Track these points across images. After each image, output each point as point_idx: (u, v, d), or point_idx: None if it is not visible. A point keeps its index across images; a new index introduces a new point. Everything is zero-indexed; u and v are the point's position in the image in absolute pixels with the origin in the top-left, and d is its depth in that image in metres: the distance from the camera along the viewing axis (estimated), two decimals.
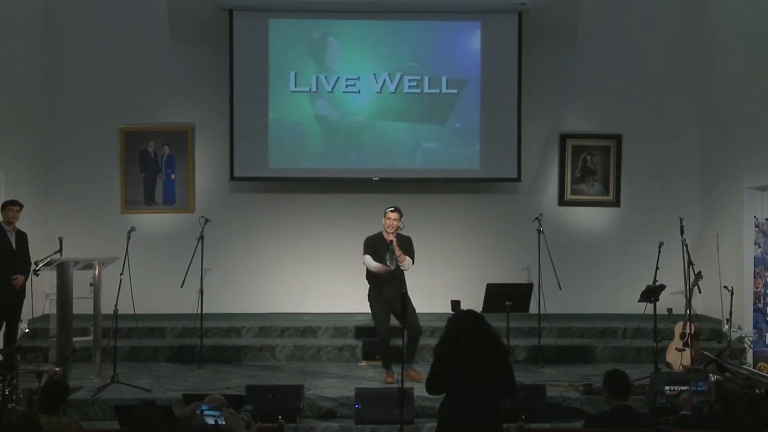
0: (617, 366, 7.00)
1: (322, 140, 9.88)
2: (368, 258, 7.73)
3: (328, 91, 9.76)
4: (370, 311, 7.92)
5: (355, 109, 9.80)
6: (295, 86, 9.76)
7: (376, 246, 7.74)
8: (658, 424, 5.23)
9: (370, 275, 7.81)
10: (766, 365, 7.84)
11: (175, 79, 9.99)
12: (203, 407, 4.69)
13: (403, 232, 7.80)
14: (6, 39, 8.98)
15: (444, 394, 4.91)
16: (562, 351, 8.85)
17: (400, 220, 7.66)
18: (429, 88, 9.75)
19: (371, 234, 7.87)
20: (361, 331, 9.26)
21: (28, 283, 8.07)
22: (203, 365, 8.47)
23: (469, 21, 9.84)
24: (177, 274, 8.72)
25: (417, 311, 7.79)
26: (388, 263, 7.57)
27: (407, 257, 7.65)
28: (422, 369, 8.26)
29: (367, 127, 9.84)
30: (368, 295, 7.87)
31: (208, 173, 10.06)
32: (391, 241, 7.56)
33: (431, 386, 4.88)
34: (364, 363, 8.69)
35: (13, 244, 7.97)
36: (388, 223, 7.63)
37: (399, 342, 7.26)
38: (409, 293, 7.66)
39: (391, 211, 7.67)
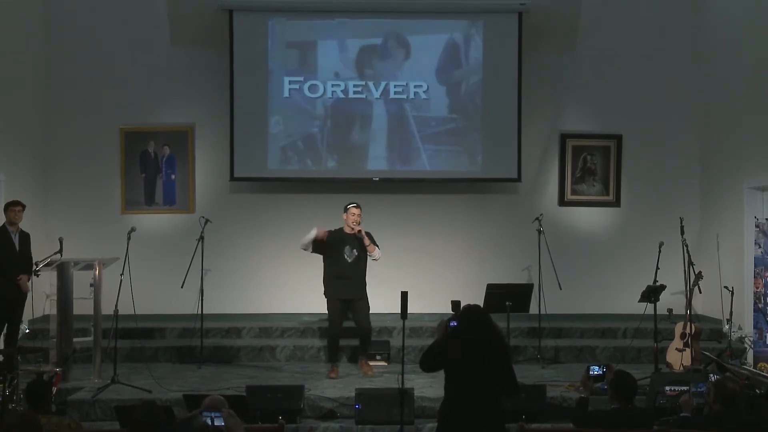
0: (617, 367, 6.98)
1: (322, 140, 9.88)
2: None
3: (328, 91, 9.76)
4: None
5: (355, 109, 9.80)
6: (295, 87, 9.76)
7: (333, 240, 7.94)
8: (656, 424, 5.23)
9: (326, 270, 7.99)
10: (766, 365, 7.84)
11: (176, 80, 9.98)
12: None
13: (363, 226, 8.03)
14: (6, 40, 8.98)
15: (445, 394, 4.91)
16: (562, 351, 8.85)
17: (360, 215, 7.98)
18: (428, 90, 9.76)
19: (332, 229, 8.06)
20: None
21: (28, 284, 8.07)
22: (203, 366, 8.47)
23: (470, 21, 9.84)
24: (177, 274, 8.73)
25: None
26: (346, 256, 7.87)
27: (376, 247, 7.99)
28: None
29: (368, 127, 9.83)
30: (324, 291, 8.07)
31: (208, 174, 10.05)
32: (360, 231, 7.87)
33: (425, 361, 4.88)
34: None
35: (17, 245, 7.98)
36: (353, 219, 7.93)
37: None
38: (410, 293, 7.64)
39: (355, 207, 7.98)
